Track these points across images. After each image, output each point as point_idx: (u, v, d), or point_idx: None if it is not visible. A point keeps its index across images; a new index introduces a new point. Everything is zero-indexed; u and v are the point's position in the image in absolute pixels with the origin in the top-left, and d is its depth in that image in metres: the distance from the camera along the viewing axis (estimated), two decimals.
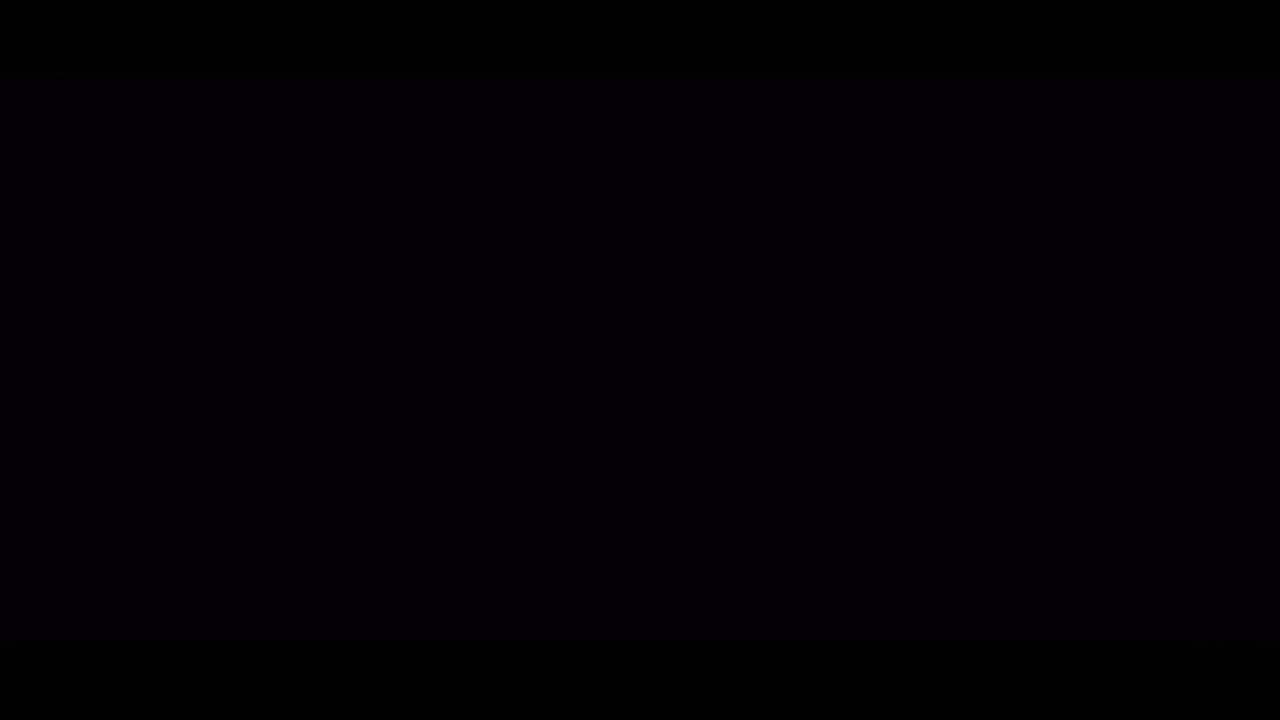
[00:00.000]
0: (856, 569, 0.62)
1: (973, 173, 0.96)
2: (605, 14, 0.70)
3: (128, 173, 0.78)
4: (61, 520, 0.65)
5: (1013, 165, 0.96)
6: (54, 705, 0.39)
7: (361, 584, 0.52)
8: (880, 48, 0.75)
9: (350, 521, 0.60)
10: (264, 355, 0.70)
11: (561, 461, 0.78)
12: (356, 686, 0.41)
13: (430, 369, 0.70)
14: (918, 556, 0.64)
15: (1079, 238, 0.98)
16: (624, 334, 0.83)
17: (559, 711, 0.41)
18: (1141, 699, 0.43)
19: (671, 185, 0.86)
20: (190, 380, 0.76)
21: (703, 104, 0.91)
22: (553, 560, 0.60)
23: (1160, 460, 0.82)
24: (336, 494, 0.63)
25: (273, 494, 0.66)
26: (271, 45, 0.50)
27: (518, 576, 0.58)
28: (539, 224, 0.77)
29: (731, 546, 0.65)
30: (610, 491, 0.72)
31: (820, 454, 0.78)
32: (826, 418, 0.79)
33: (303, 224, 0.71)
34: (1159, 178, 0.94)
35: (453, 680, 0.42)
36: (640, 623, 0.54)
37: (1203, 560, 0.69)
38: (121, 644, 0.49)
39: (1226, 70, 0.67)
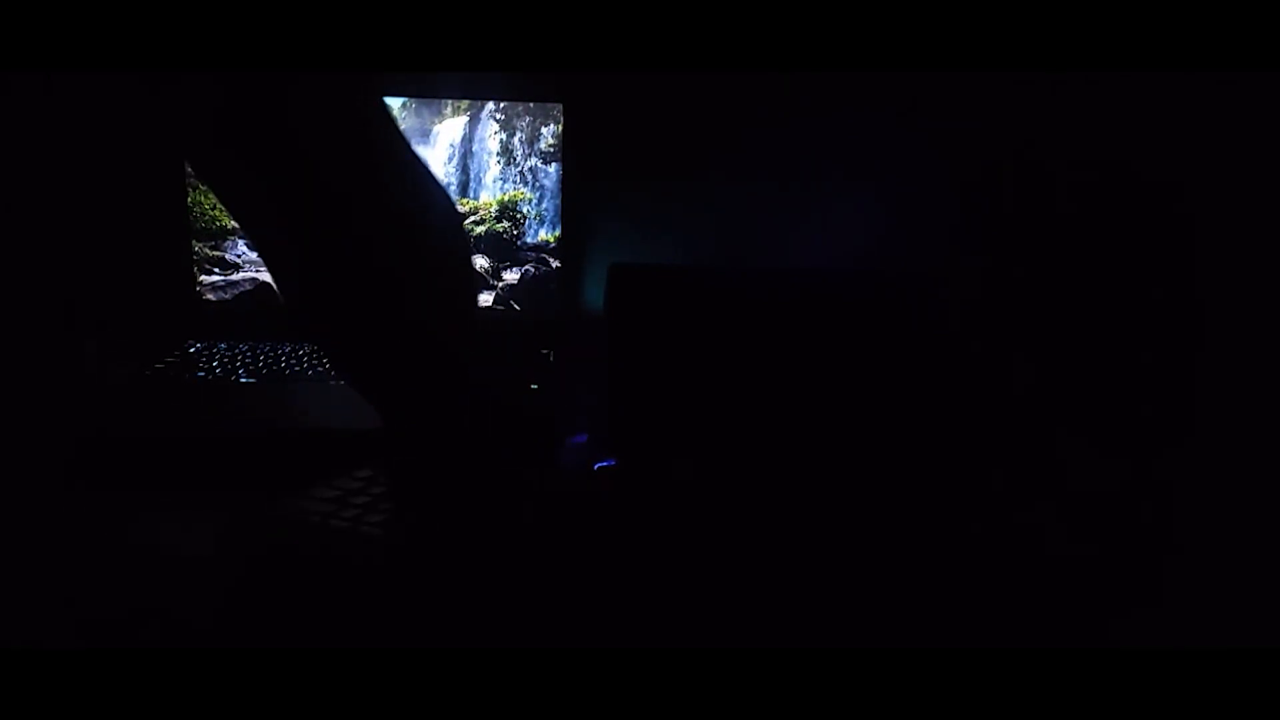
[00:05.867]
0: (856, 569, 0.62)
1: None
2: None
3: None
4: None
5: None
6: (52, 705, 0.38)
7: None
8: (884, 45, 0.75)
9: None
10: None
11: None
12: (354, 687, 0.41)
13: None
14: (917, 556, 0.64)
15: (1074, 238, 0.98)
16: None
17: (559, 711, 0.41)
18: (1139, 699, 0.43)
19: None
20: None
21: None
22: (550, 559, 0.60)
23: (1158, 459, 0.82)
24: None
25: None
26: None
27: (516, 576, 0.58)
28: None
29: (731, 545, 0.65)
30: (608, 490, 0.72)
31: (817, 453, 0.78)
32: (823, 417, 0.79)
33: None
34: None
35: (452, 680, 0.42)
36: (640, 623, 0.54)
37: (1199, 559, 0.69)
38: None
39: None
